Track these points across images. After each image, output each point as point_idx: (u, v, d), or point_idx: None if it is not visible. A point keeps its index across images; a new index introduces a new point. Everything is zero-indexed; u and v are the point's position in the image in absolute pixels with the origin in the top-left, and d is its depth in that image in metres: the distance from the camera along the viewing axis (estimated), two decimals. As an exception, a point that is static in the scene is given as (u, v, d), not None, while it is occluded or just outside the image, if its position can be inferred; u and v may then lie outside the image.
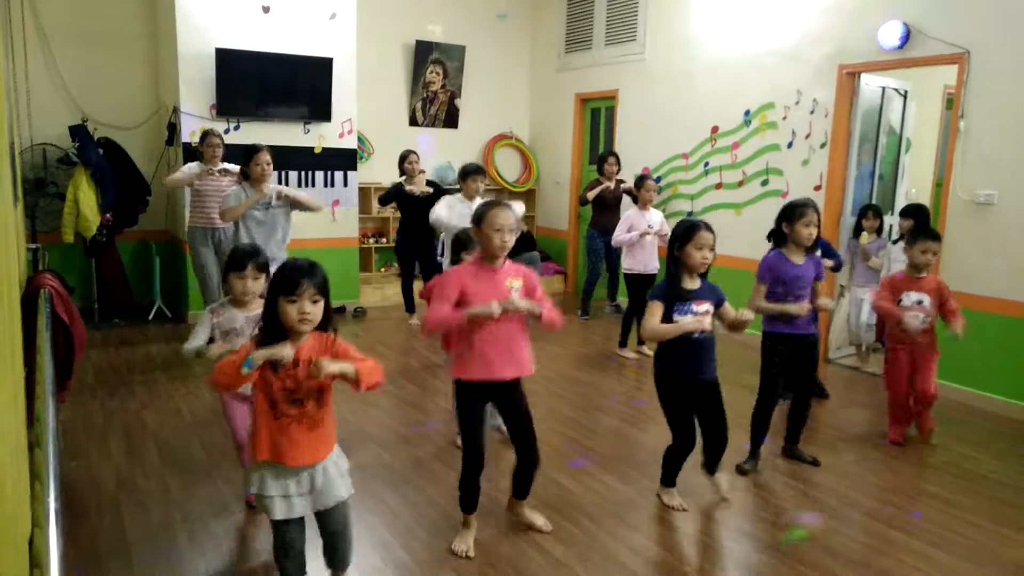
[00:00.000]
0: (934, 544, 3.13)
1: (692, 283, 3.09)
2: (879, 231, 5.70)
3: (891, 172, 6.49)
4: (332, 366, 2.17)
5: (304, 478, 2.32)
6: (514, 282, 2.78)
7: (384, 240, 8.15)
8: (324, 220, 7.10)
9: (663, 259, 4.63)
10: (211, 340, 3.00)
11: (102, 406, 4.49)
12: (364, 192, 7.85)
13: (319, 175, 7.03)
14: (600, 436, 4.28)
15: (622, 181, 7.02)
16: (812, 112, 5.98)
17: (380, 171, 8.08)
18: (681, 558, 3.01)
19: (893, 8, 5.31)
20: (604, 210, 6.98)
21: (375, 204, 8.09)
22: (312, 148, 6.95)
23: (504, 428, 3.26)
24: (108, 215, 6.30)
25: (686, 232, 3.05)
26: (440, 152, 8.51)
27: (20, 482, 1.85)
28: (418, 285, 6.60)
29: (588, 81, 8.31)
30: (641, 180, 5.97)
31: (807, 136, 6.04)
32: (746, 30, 6.46)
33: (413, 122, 8.45)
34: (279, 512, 2.32)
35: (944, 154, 5.61)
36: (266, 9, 6.51)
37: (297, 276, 2.19)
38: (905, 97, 6.33)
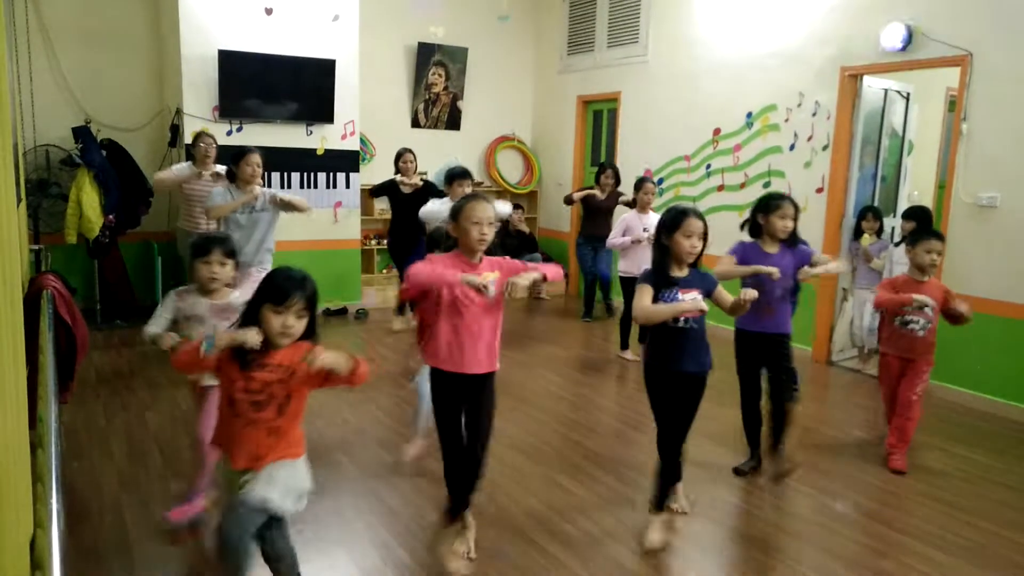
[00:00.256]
0: (934, 545, 3.12)
1: (679, 271, 2.94)
2: (879, 233, 5.69)
3: (893, 174, 6.48)
4: (327, 357, 2.07)
5: (255, 480, 2.18)
6: (490, 276, 2.68)
7: (386, 242, 8.14)
8: (326, 222, 7.11)
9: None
10: (175, 322, 2.90)
11: (104, 407, 4.50)
12: (366, 194, 7.84)
13: (321, 177, 7.03)
14: (600, 437, 4.28)
15: (621, 194, 6.88)
16: (814, 114, 5.98)
17: (382, 173, 8.06)
18: (681, 559, 3.01)
19: (896, 10, 5.30)
20: (593, 217, 6.89)
21: (377, 205, 8.10)
22: (314, 150, 6.96)
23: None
24: (111, 216, 6.30)
25: (674, 219, 2.91)
26: (443, 154, 8.50)
27: (22, 483, 1.86)
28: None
29: (590, 83, 8.32)
30: (640, 182, 5.89)
31: (809, 138, 6.04)
32: (748, 32, 6.46)
33: (415, 124, 8.46)
34: (224, 521, 2.21)
35: (946, 156, 5.61)
36: (269, 11, 6.52)
37: (288, 287, 2.11)
38: (907, 99, 6.32)
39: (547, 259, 8.59)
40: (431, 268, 2.65)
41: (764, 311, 3.52)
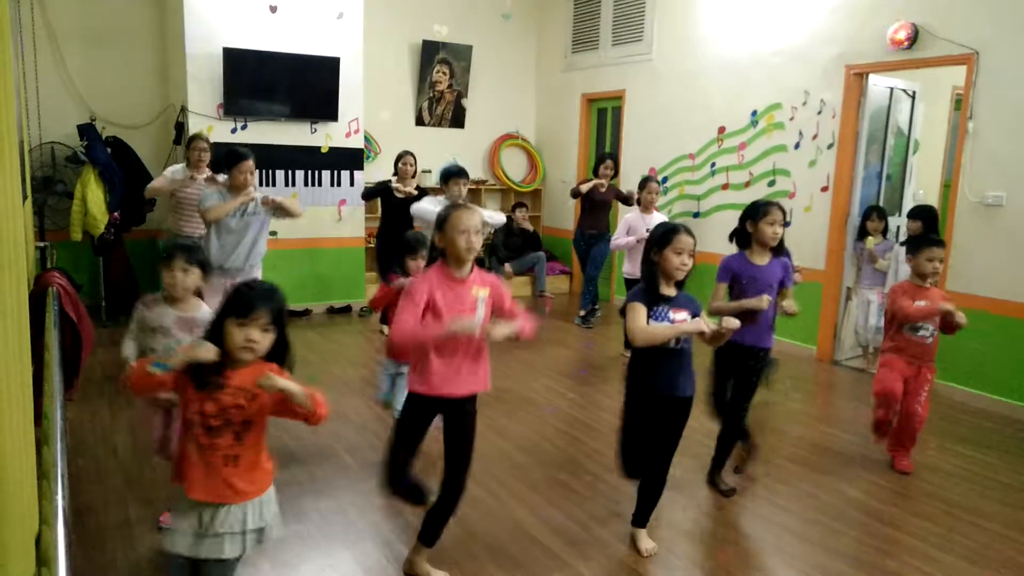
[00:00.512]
0: (938, 546, 3.12)
1: (668, 290, 2.81)
2: (884, 233, 5.68)
3: (899, 173, 6.46)
4: (280, 381, 1.93)
5: (204, 515, 2.02)
6: (480, 291, 2.55)
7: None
8: (330, 219, 7.12)
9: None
10: (153, 331, 2.82)
11: (109, 404, 4.51)
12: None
13: (326, 174, 7.04)
14: (603, 435, 4.28)
15: (619, 191, 6.87)
16: (819, 113, 5.96)
17: (387, 171, 8.08)
18: (686, 559, 3.00)
19: (902, 8, 5.29)
20: (592, 211, 6.83)
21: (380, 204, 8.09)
22: (319, 148, 6.96)
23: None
24: (116, 214, 6.32)
25: (664, 235, 2.79)
26: (447, 152, 8.50)
27: (28, 480, 1.86)
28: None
29: (595, 81, 8.31)
30: (644, 182, 5.82)
31: (814, 137, 6.03)
32: (753, 30, 6.45)
33: (420, 122, 8.47)
34: (168, 544, 2.05)
35: (952, 155, 5.59)
36: (273, 9, 6.52)
37: (252, 299, 1.97)
38: (913, 98, 6.30)
39: (551, 257, 8.60)
40: (411, 330, 2.43)
41: (751, 324, 3.37)
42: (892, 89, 6.04)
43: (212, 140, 6.02)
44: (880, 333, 5.73)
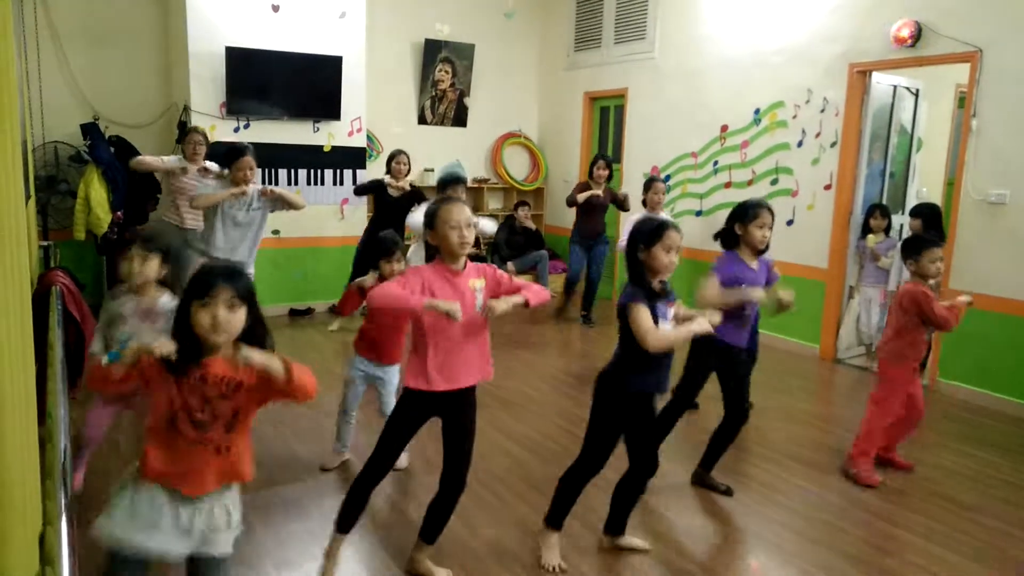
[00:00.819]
0: (941, 544, 3.12)
1: (657, 285, 2.72)
2: (887, 231, 5.67)
3: (902, 171, 6.45)
4: (256, 355, 1.86)
5: (197, 511, 1.93)
6: (476, 283, 2.54)
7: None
8: (333, 218, 7.13)
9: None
10: (111, 324, 2.82)
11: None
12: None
13: (328, 173, 7.05)
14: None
15: (615, 193, 6.85)
16: (823, 111, 5.95)
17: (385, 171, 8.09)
18: (686, 557, 3.00)
19: (905, 6, 5.27)
20: (589, 215, 6.79)
21: (374, 202, 8.08)
22: (321, 147, 6.97)
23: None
24: (119, 213, 6.33)
25: (654, 232, 2.66)
26: (449, 150, 8.50)
27: (30, 479, 1.87)
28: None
29: (597, 79, 8.30)
30: (650, 182, 5.81)
31: (817, 135, 6.02)
32: (756, 28, 6.44)
33: (422, 120, 8.47)
34: (141, 541, 1.86)
35: (956, 153, 5.58)
36: (276, 8, 6.53)
37: (210, 278, 1.87)
38: (917, 96, 6.29)
39: (553, 256, 8.59)
40: (394, 292, 2.40)
41: (741, 324, 3.38)
42: (895, 87, 6.03)
43: (215, 139, 6.03)
44: (880, 332, 5.73)
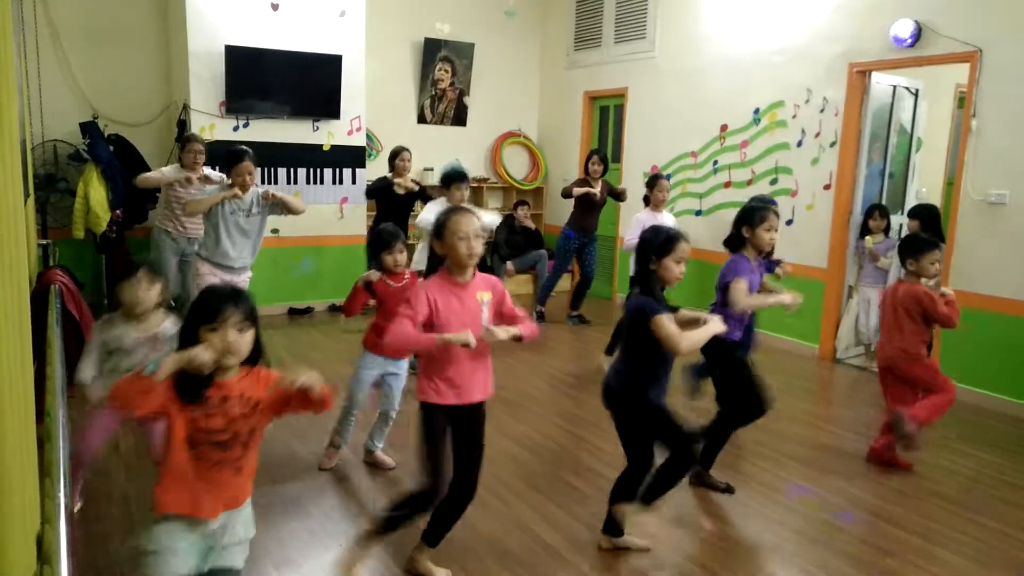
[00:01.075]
0: (941, 545, 3.11)
1: (662, 295, 2.79)
2: (886, 231, 5.66)
3: (902, 171, 6.45)
4: (301, 377, 1.89)
5: (215, 530, 1.96)
6: (484, 296, 2.53)
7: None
8: (332, 218, 7.12)
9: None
10: (110, 354, 2.79)
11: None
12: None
13: (328, 172, 7.04)
14: (606, 433, 4.27)
15: (610, 186, 6.83)
16: (822, 110, 5.95)
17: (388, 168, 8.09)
18: (686, 557, 3.00)
19: (904, 6, 5.27)
20: (586, 211, 6.76)
21: (377, 200, 8.08)
22: (321, 146, 6.96)
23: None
24: (118, 211, 6.33)
25: (665, 243, 2.72)
26: (449, 150, 8.50)
27: (28, 478, 1.86)
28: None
29: (597, 79, 8.30)
30: (655, 180, 5.71)
31: (817, 135, 6.01)
32: (756, 28, 6.44)
33: (422, 120, 8.46)
34: (174, 568, 1.90)
35: (955, 153, 5.58)
36: (275, 7, 6.52)
37: (218, 303, 1.89)
38: (916, 96, 6.29)
39: (552, 255, 8.58)
40: (405, 335, 2.39)
41: (747, 326, 3.49)
42: (895, 87, 6.03)
43: (215, 138, 6.02)
44: (879, 333, 5.72)
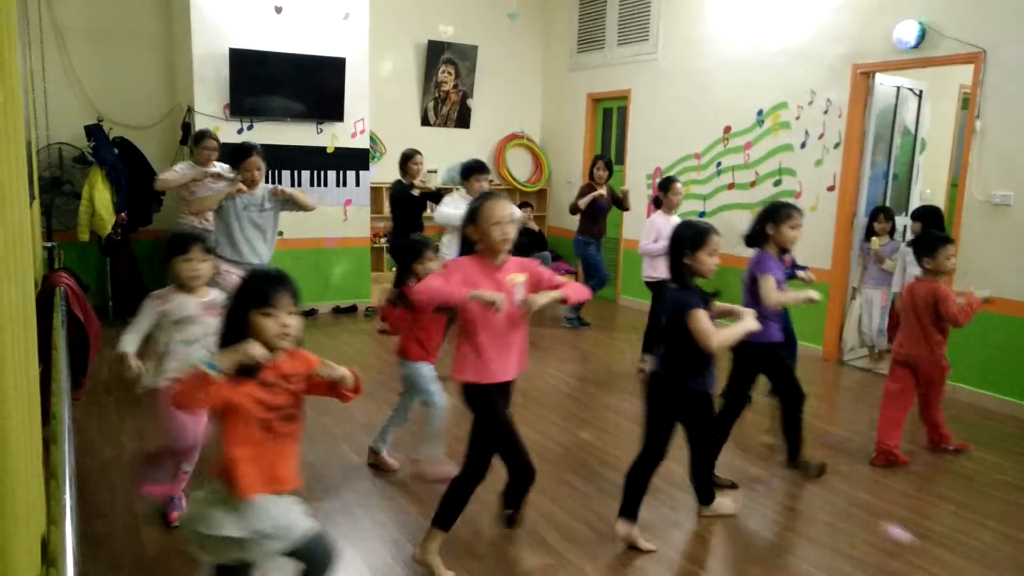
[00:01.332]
0: (945, 547, 3.11)
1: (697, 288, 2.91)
2: (891, 233, 5.65)
3: (906, 172, 6.44)
4: (337, 369, 2.01)
5: (291, 500, 2.06)
6: (517, 277, 2.57)
7: (388, 245, 8.14)
8: (336, 220, 7.13)
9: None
10: (176, 323, 2.86)
11: (116, 403, 4.53)
12: (376, 192, 7.88)
13: (331, 175, 7.06)
14: (610, 436, 4.28)
15: (614, 192, 6.82)
16: (826, 112, 5.95)
17: (392, 171, 8.08)
18: (688, 557, 3.00)
19: (908, 7, 5.26)
20: (595, 216, 6.75)
21: (387, 204, 8.10)
22: (325, 148, 6.98)
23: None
24: (123, 214, 6.35)
25: (698, 237, 2.83)
26: (452, 152, 8.51)
27: (33, 480, 1.87)
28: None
29: (600, 81, 8.30)
30: (668, 183, 5.59)
31: (820, 136, 6.01)
32: (759, 29, 6.43)
33: (425, 122, 8.48)
34: (304, 523, 2.04)
35: (960, 154, 5.57)
36: (279, 9, 6.54)
37: (271, 287, 1.94)
38: (920, 97, 6.28)
39: (556, 257, 8.59)
40: (438, 286, 2.46)
41: (777, 321, 3.54)
42: (899, 88, 6.02)
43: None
44: (884, 335, 5.72)
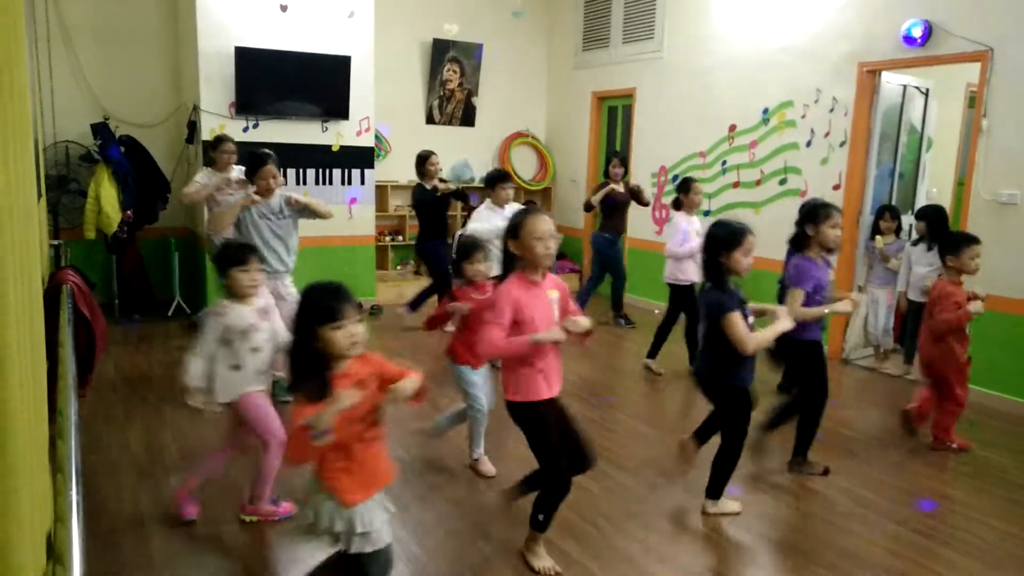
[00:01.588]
0: (948, 545, 3.10)
1: (734, 287, 3.03)
2: (897, 232, 5.64)
3: (912, 171, 6.42)
4: (407, 387, 2.08)
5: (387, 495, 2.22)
6: (552, 293, 2.65)
7: (400, 238, 8.17)
8: (341, 218, 7.13)
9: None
10: (227, 344, 2.93)
11: (122, 400, 4.55)
12: (381, 190, 7.88)
13: (336, 173, 7.07)
14: (618, 436, 4.28)
15: (630, 185, 6.80)
16: (831, 110, 5.93)
17: (397, 169, 8.11)
18: (693, 556, 3.00)
19: (915, 5, 5.24)
20: (614, 212, 6.74)
21: (392, 202, 8.13)
22: (330, 146, 6.99)
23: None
24: (129, 212, 6.37)
25: (733, 237, 2.94)
26: (457, 150, 8.51)
27: (39, 476, 1.88)
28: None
29: (605, 79, 8.29)
30: (688, 183, 5.50)
31: (826, 134, 5.99)
32: (764, 27, 6.42)
33: (430, 120, 8.48)
34: (388, 534, 2.19)
35: (966, 153, 5.55)
36: (284, 8, 6.55)
37: (337, 301, 2.04)
38: (926, 95, 6.26)
39: (560, 255, 8.59)
40: (501, 344, 2.54)
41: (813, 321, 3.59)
42: (905, 86, 6.00)
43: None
44: (890, 334, 5.70)
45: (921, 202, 6.32)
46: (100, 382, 4.69)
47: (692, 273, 5.30)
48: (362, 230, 7.28)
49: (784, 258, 4.43)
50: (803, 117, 6.16)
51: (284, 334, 2.95)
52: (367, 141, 7.17)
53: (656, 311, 7.48)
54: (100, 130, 6.39)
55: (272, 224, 4.44)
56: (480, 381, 3.58)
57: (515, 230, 2.57)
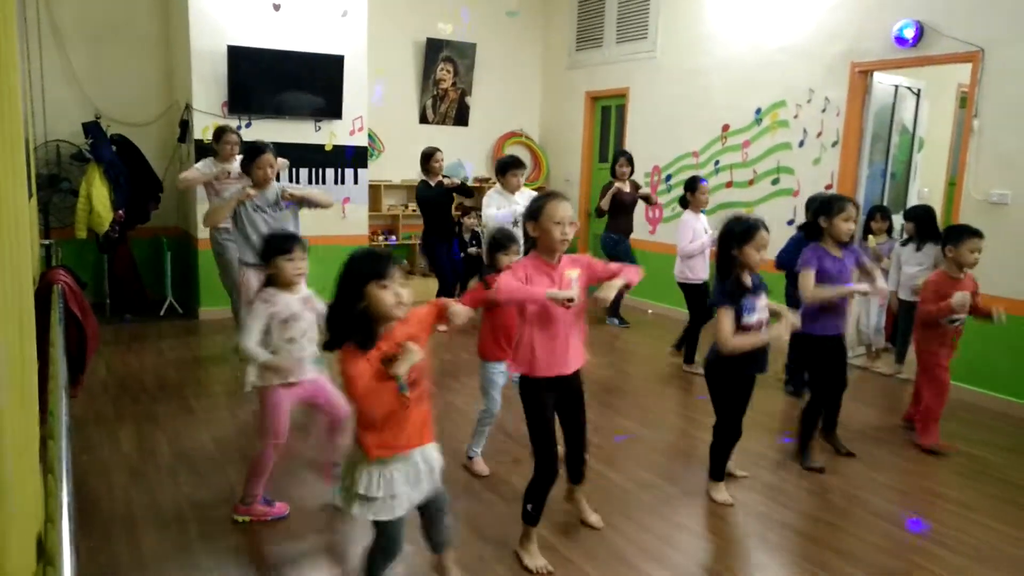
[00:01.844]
0: (943, 544, 3.11)
1: (746, 279, 3.11)
2: (889, 232, 5.66)
3: (903, 171, 6.44)
4: (461, 310, 2.24)
5: (423, 458, 2.25)
6: (571, 273, 2.66)
7: (394, 238, 8.16)
8: (334, 218, 7.12)
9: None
10: (266, 332, 2.96)
11: (113, 400, 4.53)
12: (374, 189, 7.87)
13: (330, 172, 7.05)
14: (610, 434, 4.28)
15: (637, 186, 6.83)
16: (824, 110, 5.95)
17: (390, 169, 8.11)
18: (688, 557, 3.00)
19: (907, 5, 5.27)
20: (621, 212, 6.71)
21: (385, 202, 8.12)
22: (323, 145, 6.97)
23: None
24: (121, 211, 6.34)
25: (746, 232, 3.05)
26: (451, 150, 8.49)
27: (29, 477, 1.87)
28: (424, 284, 6.60)
29: (599, 79, 8.30)
30: (694, 183, 5.51)
31: (819, 135, 6.01)
32: (758, 28, 6.43)
33: (423, 119, 8.47)
34: (400, 509, 2.22)
35: (957, 153, 5.57)
36: (277, 7, 6.53)
37: (386, 261, 2.10)
38: (918, 96, 6.29)
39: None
40: (517, 285, 2.58)
41: (837, 314, 3.67)
42: (897, 87, 6.03)
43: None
44: (881, 333, 5.73)
45: (913, 202, 6.35)
46: (91, 382, 4.66)
47: (701, 271, 5.38)
48: (355, 230, 7.26)
49: (787, 244, 4.58)
50: (796, 117, 6.18)
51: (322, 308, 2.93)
52: (360, 140, 7.16)
53: (649, 311, 7.50)
54: (92, 129, 6.36)
55: (267, 217, 4.40)
56: (501, 384, 3.61)
57: (535, 213, 2.62)
